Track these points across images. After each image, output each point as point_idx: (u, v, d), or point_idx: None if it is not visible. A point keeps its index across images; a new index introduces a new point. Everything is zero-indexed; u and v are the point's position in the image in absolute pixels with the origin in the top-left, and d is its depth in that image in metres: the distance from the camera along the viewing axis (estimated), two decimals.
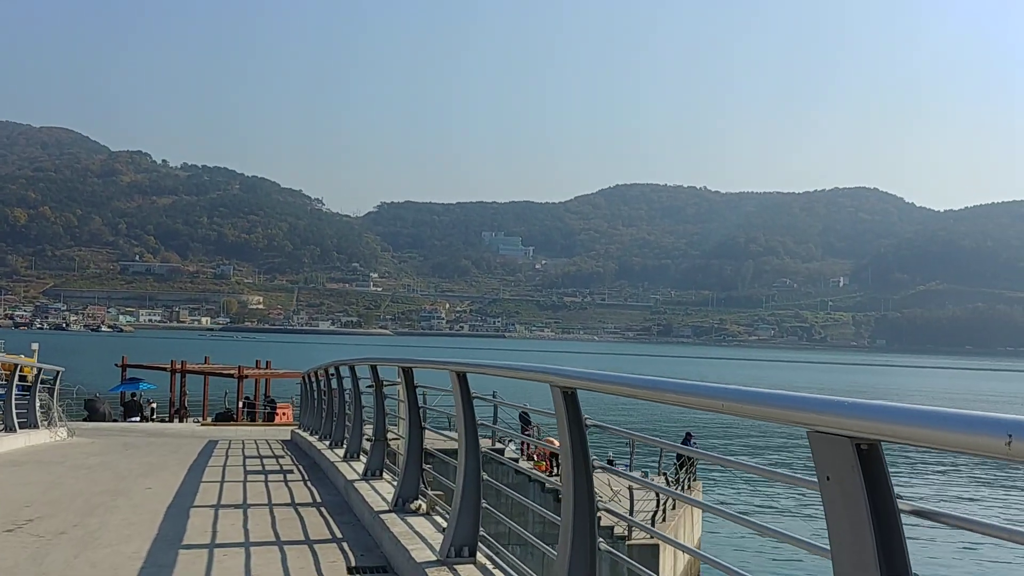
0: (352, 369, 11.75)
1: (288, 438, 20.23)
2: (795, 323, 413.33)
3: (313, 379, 19.06)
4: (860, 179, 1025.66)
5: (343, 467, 10.86)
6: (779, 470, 3.26)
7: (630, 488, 21.87)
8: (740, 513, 3.69)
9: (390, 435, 9.85)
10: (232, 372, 37.18)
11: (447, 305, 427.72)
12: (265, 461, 13.98)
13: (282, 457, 14.78)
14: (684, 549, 6.21)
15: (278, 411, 39.30)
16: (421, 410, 8.06)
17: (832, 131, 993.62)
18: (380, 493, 8.66)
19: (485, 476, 6.31)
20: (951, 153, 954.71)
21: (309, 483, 11.16)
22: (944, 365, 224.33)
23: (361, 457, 11.29)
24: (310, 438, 16.05)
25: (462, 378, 6.23)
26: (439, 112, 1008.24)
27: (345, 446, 12.01)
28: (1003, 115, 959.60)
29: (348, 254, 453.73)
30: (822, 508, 2.46)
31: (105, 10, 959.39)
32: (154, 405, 38.82)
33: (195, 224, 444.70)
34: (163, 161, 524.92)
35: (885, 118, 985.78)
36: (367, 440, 10.60)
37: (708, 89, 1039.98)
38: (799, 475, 3.01)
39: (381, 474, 9.74)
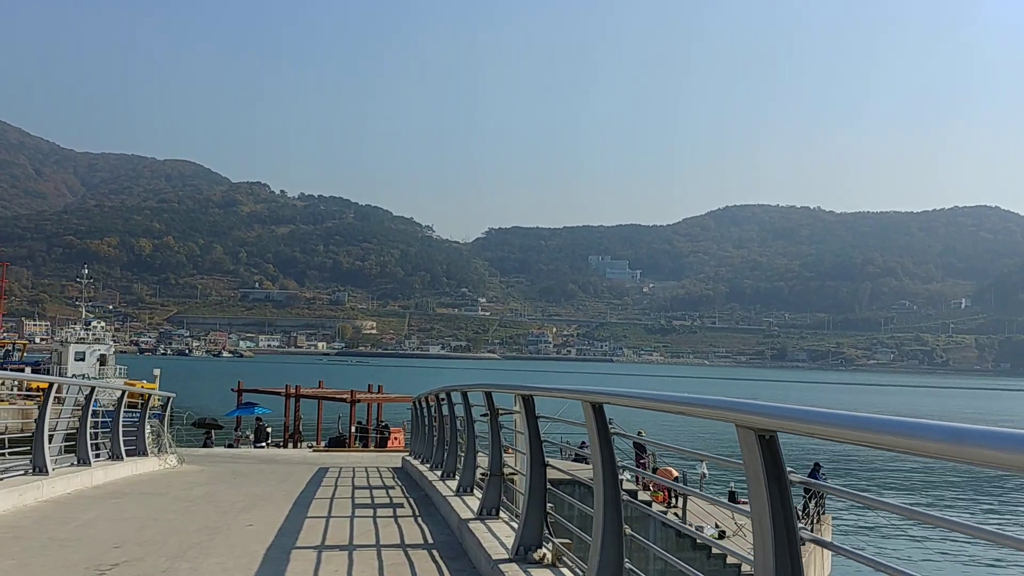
0: (464, 395, 10.76)
1: (399, 465, 19.61)
2: (915, 346, 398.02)
3: (424, 405, 18.41)
4: (980, 197, 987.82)
5: (456, 503, 10.04)
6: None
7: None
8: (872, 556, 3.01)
9: (507, 469, 8.95)
10: (345, 396, 37.04)
11: (554, 329, 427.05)
12: (375, 492, 13.29)
13: (392, 488, 14.07)
14: None
15: (391, 436, 39.05)
16: (543, 443, 7.12)
17: (951, 149, 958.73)
18: (498, 536, 7.74)
19: (628, 531, 5.22)
20: None
21: (420, 519, 10.36)
22: None
23: (475, 491, 10.45)
24: (421, 467, 15.34)
25: (598, 410, 5.34)
26: (548, 138, 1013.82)
27: (458, 479, 11.19)
28: None
29: (457, 279, 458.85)
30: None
31: (228, 49, 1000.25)
32: (269, 429, 39.04)
33: (311, 252, 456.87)
34: (281, 191, 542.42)
35: (1006, 135, 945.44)
36: (481, 474, 9.65)
37: (822, 108, 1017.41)
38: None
39: (498, 513, 8.84)
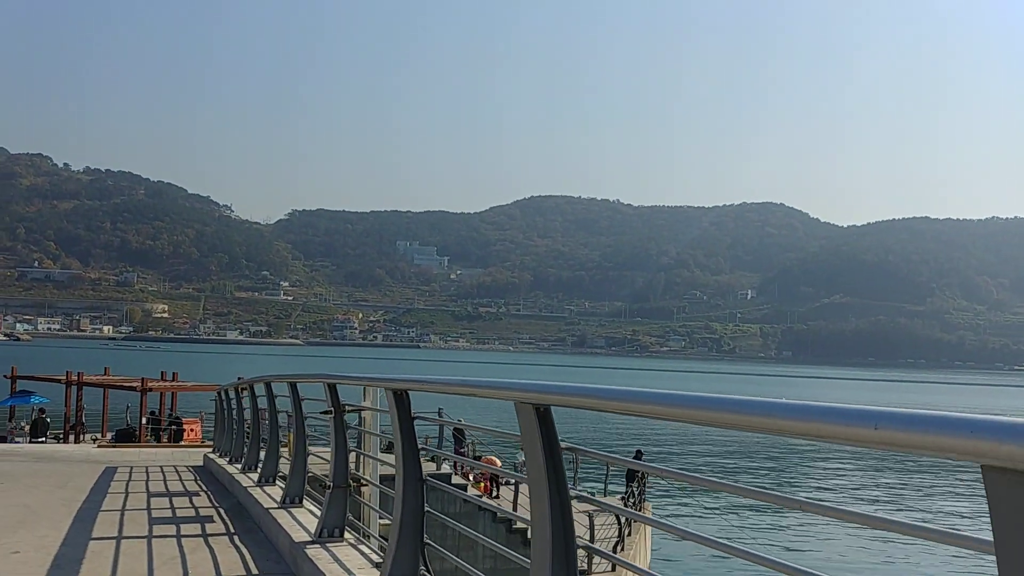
0: (293, 386, 9.10)
1: (200, 463, 17.38)
2: (705, 334, 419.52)
3: (229, 396, 16.33)
4: (767, 195, 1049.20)
5: (282, 517, 8.23)
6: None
7: (589, 514, 19.67)
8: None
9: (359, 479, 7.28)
10: (135, 385, 33.63)
11: (360, 315, 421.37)
12: (176, 501, 11.20)
13: (197, 494, 11.99)
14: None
15: (187, 428, 36.03)
16: (422, 451, 5.67)
17: (742, 148, 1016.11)
18: (351, 572, 6.03)
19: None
20: (854, 170, 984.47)
21: (237, 539, 8.46)
22: (846, 376, 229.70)
23: (306, 503, 8.67)
24: (230, 468, 13.31)
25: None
26: (349, 119, 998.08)
27: (285, 487, 9.33)
28: (904, 135, 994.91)
29: (257, 262, 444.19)
30: None
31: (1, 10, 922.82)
32: (48, 420, 35.13)
33: (97, 230, 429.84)
34: (65, 164, 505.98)
35: (792, 136, 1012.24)
36: (321, 485, 7.71)
37: (620, 104, 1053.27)
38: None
39: (342, 533, 7.14)
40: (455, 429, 26.75)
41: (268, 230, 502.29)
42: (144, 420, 32.47)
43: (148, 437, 32.79)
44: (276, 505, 8.89)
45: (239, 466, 12.68)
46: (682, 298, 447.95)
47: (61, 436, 34.95)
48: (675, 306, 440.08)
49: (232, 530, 8.99)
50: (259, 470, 11.24)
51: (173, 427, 35.23)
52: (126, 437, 33.08)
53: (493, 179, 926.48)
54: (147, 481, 13.58)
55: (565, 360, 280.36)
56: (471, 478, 26.55)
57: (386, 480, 7.43)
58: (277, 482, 10.70)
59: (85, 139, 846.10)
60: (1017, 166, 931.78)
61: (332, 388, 7.12)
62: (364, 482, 7.60)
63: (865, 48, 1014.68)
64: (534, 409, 3.69)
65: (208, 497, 11.69)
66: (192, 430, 37.11)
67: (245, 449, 12.71)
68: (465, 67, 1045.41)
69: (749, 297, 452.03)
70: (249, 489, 10.41)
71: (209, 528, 9.06)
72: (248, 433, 13.20)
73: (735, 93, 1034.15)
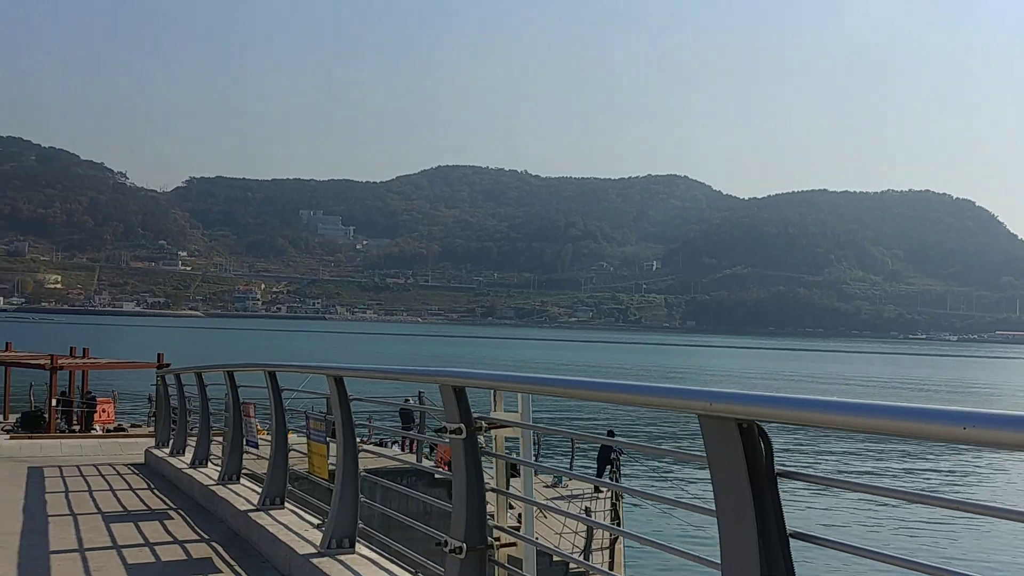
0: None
1: (141, 460, 14.65)
2: (612, 305, 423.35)
3: (171, 382, 13.79)
4: (672, 167, 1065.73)
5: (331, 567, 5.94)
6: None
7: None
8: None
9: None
10: (43, 362, 30.10)
11: (263, 286, 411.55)
12: (144, 526, 8.57)
13: (169, 516, 9.33)
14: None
15: (99, 409, 32.64)
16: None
17: (646, 120, 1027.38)
18: None
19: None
20: (756, 143, 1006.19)
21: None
22: (748, 345, 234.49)
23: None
24: (195, 473, 10.75)
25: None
26: (251, 83, 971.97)
27: (265, 488, 8.30)
28: (799, 108, 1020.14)
29: (154, 231, 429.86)
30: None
31: None
32: None
33: None
34: None
35: (694, 107, 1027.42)
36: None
37: (524, 75, 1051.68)
38: (690, 452, 3.63)
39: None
40: (402, 411, 26.00)
41: (165, 198, 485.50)
42: (54, 402, 29.06)
43: (58, 419, 29.41)
44: (316, 551, 6.60)
45: (219, 473, 10.22)
46: (589, 269, 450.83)
47: None
48: (582, 277, 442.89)
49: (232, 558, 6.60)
50: (223, 467, 10.17)
51: (86, 408, 31.83)
52: (34, 421, 29.60)
53: (399, 147, 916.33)
54: (90, 491, 10.86)
55: (474, 331, 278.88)
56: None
57: None
58: (242, 480, 10.02)
59: None
60: (910, 140, 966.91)
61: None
62: None
63: (775, 21, 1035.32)
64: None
65: (185, 520, 9.07)
66: (104, 410, 33.75)
67: (228, 454, 10.25)
68: (381, 30, 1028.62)
69: (654, 268, 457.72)
70: (253, 515, 7.96)
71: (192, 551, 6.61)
72: (219, 429, 11.00)
73: (646, 67, 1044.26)
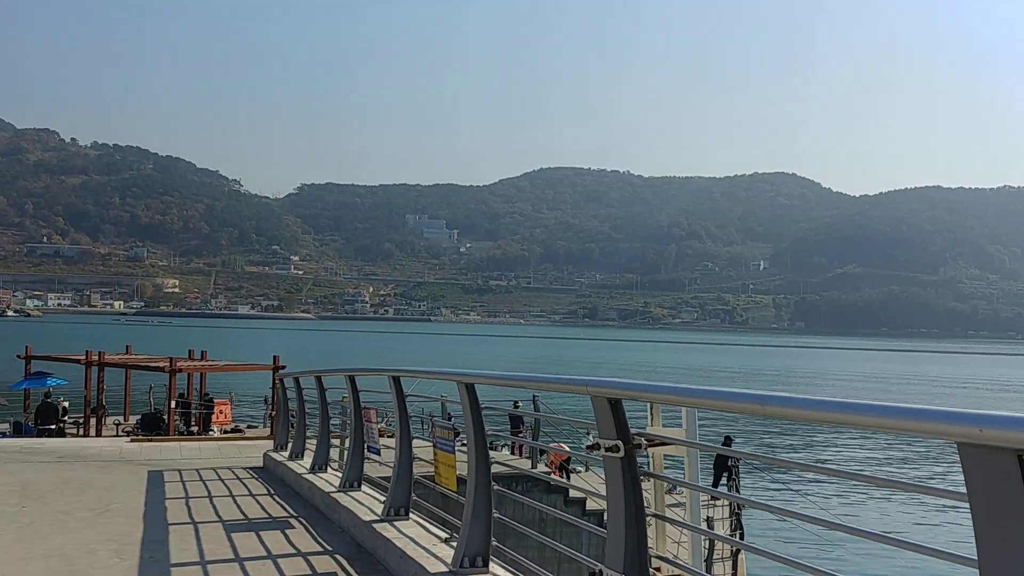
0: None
1: (259, 464, 14.57)
2: (717, 306, 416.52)
3: (289, 386, 13.61)
4: (779, 165, 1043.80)
5: None
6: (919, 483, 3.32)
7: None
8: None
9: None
10: (163, 365, 30.77)
11: (371, 288, 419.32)
12: (265, 536, 8.29)
13: (289, 525, 9.05)
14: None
15: (216, 411, 33.28)
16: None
17: (752, 118, 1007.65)
18: None
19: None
20: (867, 140, 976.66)
21: None
22: (859, 347, 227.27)
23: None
24: (321, 484, 10.46)
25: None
26: (361, 93, 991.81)
27: (389, 497, 7.58)
28: (915, 104, 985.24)
29: (267, 236, 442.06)
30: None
31: None
32: (66, 404, 32.27)
33: (106, 205, 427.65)
34: (72, 139, 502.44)
35: (803, 105, 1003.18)
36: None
37: (627, 74, 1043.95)
38: (945, 487, 2.95)
39: None
40: (510, 416, 25.15)
41: (277, 204, 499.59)
42: (172, 404, 29.69)
43: (177, 420, 30.04)
44: (448, 570, 6.16)
45: (304, 464, 10.08)
46: (694, 269, 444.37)
47: (81, 421, 32.20)
48: (687, 277, 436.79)
49: None
50: (344, 474, 9.92)
51: (203, 410, 32.49)
52: (153, 423, 30.36)
53: (502, 151, 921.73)
54: (210, 498, 10.71)
55: (578, 333, 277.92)
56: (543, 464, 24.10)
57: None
58: (363, 487, 9.72)
59: (92, 114, 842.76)
60: None
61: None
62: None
63: (880, 16, 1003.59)
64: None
65: (305, 528, 8.77)
66: (222, 411, 34.41)
67: (347, 457, 10.02)
68: (485, 41, 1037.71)
69: (761, 268, 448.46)
70: (397, 541, 7.53)
71: None
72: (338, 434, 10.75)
73: (753, 62, 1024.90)
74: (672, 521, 4.28)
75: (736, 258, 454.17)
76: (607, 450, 4.14)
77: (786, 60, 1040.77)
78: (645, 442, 4.19)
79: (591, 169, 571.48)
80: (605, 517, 4.31)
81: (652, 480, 4.45)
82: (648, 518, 4.24)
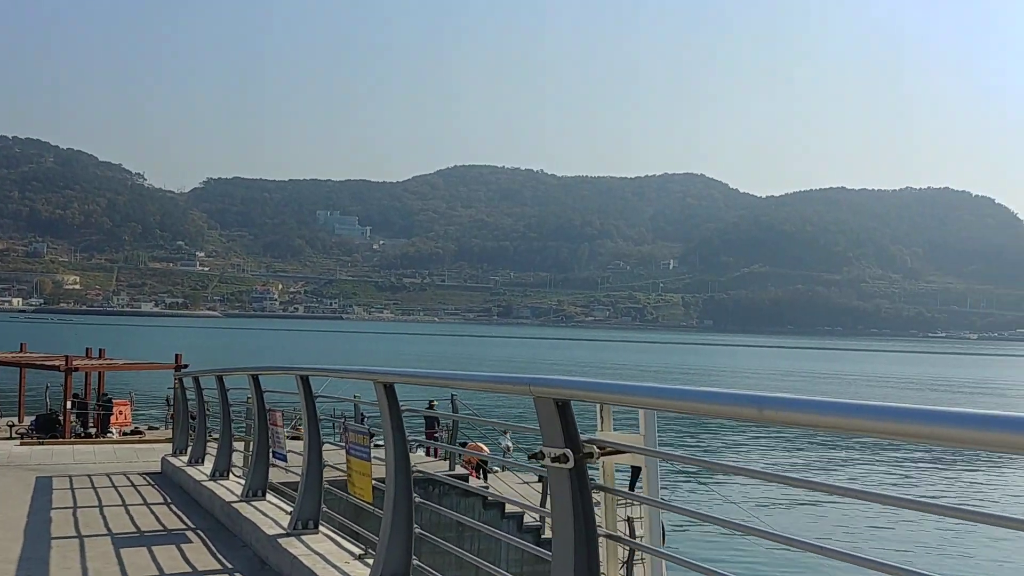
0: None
1: (157, 469, 13.67)
2: (628, 304, 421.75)
3: (190, 385, 12.75)
4: (688, 165, 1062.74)
5: None
6: None
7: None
8: None
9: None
10: (58, 363, 29.28)
11: (280, 286, 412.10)
12: (157, 552, 7.55)
13: (186, 539, 8.31)
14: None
15: (115, 411, 31.79)
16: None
17: (662, 119, 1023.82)
18: None
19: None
20: (773, 141, 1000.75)
21: None
22: (766, 344, 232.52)
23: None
24: (223, 492, 9.72)
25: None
26: (266, 84, 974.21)
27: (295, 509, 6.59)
28: (820, 107, 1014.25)
29: (172, 232, 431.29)
30: None
31: None
32: None
33: (5, 199, 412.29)
34: None
35: (710, 105, 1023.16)
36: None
37: (539, 74, 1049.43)
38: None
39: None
40: (426, 416, 24.20)
41: (183, 199, 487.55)
42: (68, 404, 28.24)
43: (74, 422, 28.57)
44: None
45: (204, 470, 9.36)
46: (606, 268, 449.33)
47: None
48: (599, 276, 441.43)
49: None
50: (247, 482, 9.12)
51: (101, 411, 30.99)
52: (49, 424, 28.79)
53: (416, 147, 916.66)
54: (100, 508, 9.87)
55: (491, 331, 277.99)
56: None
57: None
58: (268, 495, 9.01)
59: None
60: (929, 137, 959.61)
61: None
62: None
63: (782, 18, 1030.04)
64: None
65: (203, 542, 8.05)
66: (121, 412, 32.91)
67: (250, 463, 9.29)
68: (396, 30, 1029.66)
69: (671, 267, 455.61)
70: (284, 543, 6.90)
71: None
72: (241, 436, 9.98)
73: (661, 65, 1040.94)
74: (627, 542, 3.76)
75: (647, 257, 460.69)
76: (553, 460, 3.51)
77: (694, 63, 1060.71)
78: (597, 450, 3.74)
79: (505, 167, 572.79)
80: (545, 533, 3.88)
81: (604, 494, 3.89)
82: (600, 538, 3.80)
